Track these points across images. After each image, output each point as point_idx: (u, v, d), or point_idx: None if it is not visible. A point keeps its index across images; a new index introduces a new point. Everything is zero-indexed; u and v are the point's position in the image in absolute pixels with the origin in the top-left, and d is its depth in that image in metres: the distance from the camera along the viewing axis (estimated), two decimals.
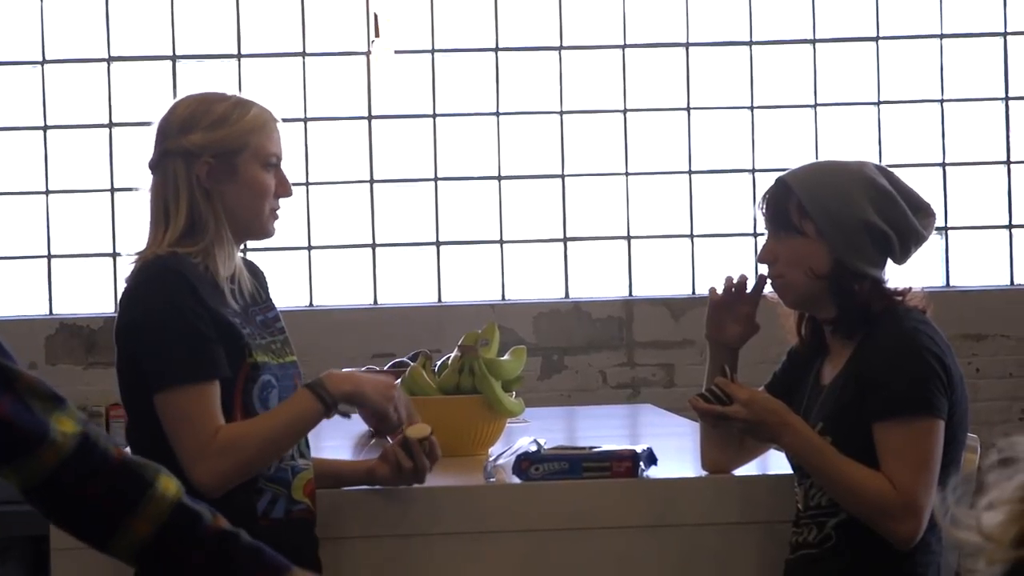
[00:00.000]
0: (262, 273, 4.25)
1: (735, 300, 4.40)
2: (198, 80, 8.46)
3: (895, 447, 3.92)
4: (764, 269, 4.29)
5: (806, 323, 4.31)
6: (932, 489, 3.91)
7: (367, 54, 8.74)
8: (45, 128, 8.59)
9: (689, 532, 4.38)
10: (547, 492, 4.39)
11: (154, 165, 4.08)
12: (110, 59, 8.61)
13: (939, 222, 8.03)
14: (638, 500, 4.35)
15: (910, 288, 4.14)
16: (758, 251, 4.25)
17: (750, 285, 4.38)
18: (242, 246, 4.23)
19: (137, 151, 4.17)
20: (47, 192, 8.53)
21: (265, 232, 4.14)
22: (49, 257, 8.50)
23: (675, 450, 4.67)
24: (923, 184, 8.38)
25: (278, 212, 4.16)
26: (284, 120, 4.08)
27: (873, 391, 3.98)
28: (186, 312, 3.92)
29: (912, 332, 4.01)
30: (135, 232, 4.11)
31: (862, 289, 4.06)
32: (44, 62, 8.56)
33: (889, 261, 4.12)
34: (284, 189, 4.10)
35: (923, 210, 4.17)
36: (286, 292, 8.21)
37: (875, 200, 4.08)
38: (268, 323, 4.14)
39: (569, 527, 4.37)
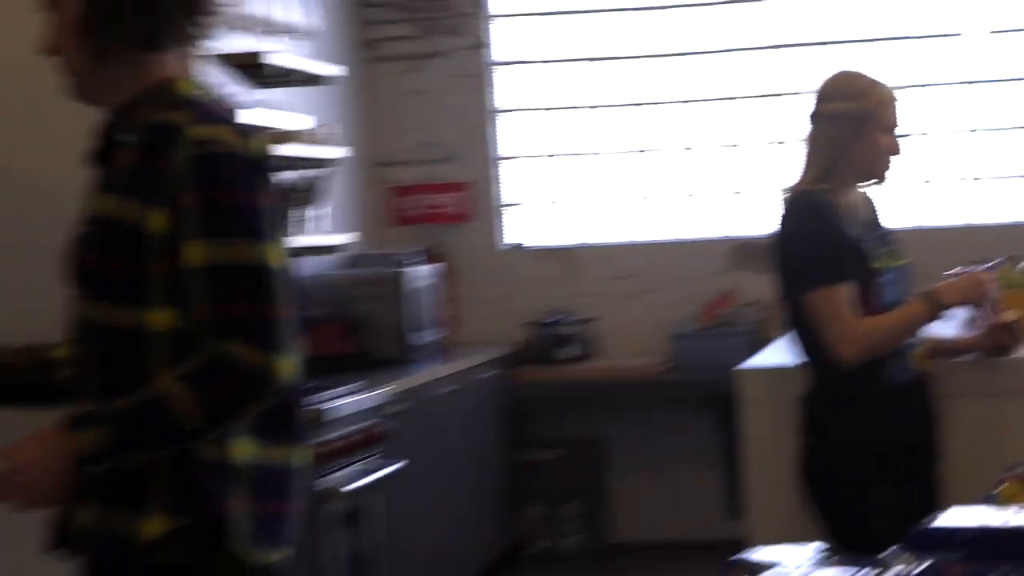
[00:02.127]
0: (874, 201, 4.81)
1: None
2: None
3: None
4: None
5: None
6: None
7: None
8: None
9: None
10: None
11: (810, 120, 4.70)
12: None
13: None
14: None
15: None
16: None
17: None
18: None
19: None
20: None
21: (879, 179, 4.69)
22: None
23: None
24: None
25: (890, 164, 4.67)
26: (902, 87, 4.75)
27: None
28: (821, 234, 4.50)
29: None
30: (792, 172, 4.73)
31: None
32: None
33: None
34: (895, 150, 4.65)
35: None
36: (901, 214, 7.94)
37: None
38: (882, 237, 4.68)
39: None
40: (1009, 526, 2.65)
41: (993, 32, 8.76)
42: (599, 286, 8.80)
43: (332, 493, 5.90)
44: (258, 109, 6.34)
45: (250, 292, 2.94)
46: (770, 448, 4.95)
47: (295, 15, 6.95)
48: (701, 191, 8.92)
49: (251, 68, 6.51)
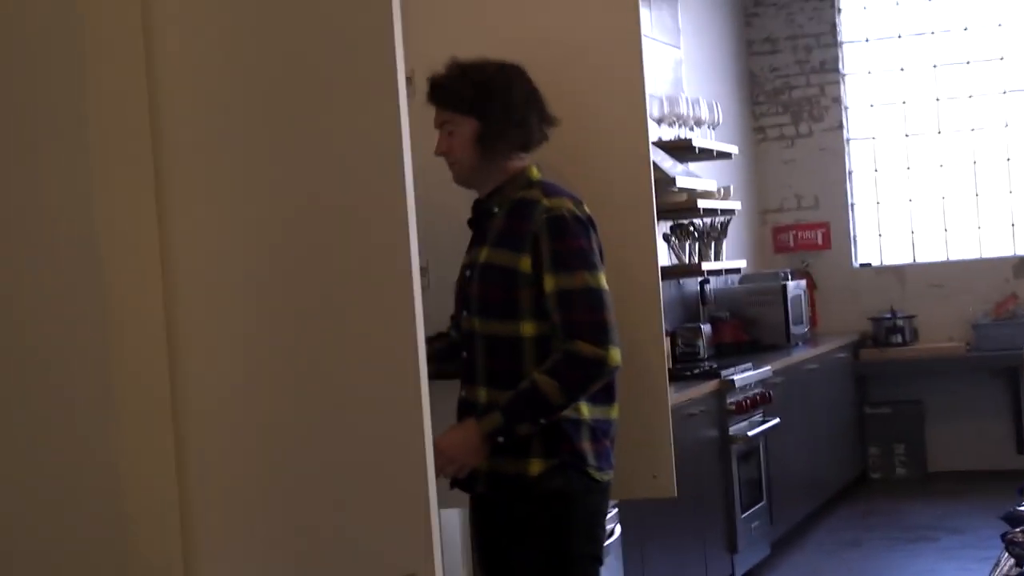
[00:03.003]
0: None
1: None
2: None
3: None
4: None
5: None
6: None
7: None
8: None
9: None
10: None
11: None
12: None
13: None
14: None
15: None
16: None
17: None
18: None
19: None
20: None
21: None
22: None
23: None
24: None
25: None
26: None
27: None
28: None
29: None
30: None
31: None
32: None
33: None
34: None
35: None
36: None
37: None
38: None
39: None
40: None
41: None
42: (919, 291, 8.65)
43: (737, 437, 6.00)
44: (687, 176, 6.47)
45: (587, 305, 3.03)
46: None
47: (708, 113, 7.07)
48: (990, 224, 8.67)
49: (683, 150, 6.64)
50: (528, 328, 3.07)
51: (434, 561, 2.58)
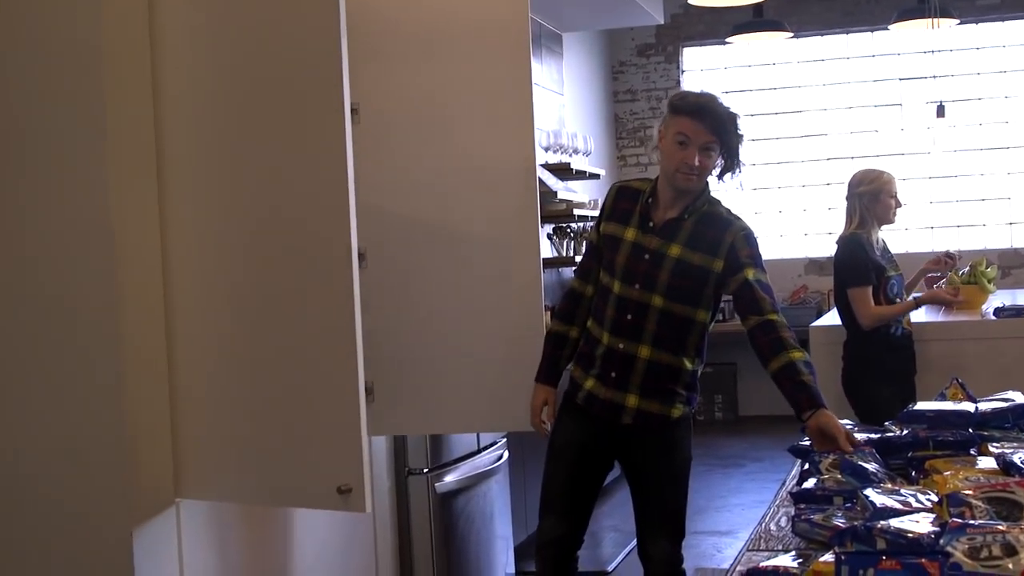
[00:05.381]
0: (884, 238, 4.39)
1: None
2: None
3: None
4: None
5: None
6: None
7: None
8: None
9: None
10: None
11: (848, 197, 4.35)
12: None
13: None
14: None
15: None
16: None
17: None
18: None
19: None
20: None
21: (891, 223, 4.36)
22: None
23: None
24: None
25: (896, 216, 4.34)
26: None
27: None
28: (859, 258, 4.29)
29: None
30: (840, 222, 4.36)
31: None
32: None
33: None
34: (898, 207, 4.34)
35: None
36: (898, 244, 8.13)
37: None
38: (890, 258, 4.37)
39: None
40: (951, 410, 2.65)
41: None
42: None
43: None
44: (566, 191, 6.44)
45: (771, 291, 3.00)
46: (827, 367, 4.62)
47: (583, 144, 7.04)
48: (790, 233, 8.72)
49: (563, 171, 6.55)
50: (701, 315, 3.01)
51: (363, 476, 2.57)
